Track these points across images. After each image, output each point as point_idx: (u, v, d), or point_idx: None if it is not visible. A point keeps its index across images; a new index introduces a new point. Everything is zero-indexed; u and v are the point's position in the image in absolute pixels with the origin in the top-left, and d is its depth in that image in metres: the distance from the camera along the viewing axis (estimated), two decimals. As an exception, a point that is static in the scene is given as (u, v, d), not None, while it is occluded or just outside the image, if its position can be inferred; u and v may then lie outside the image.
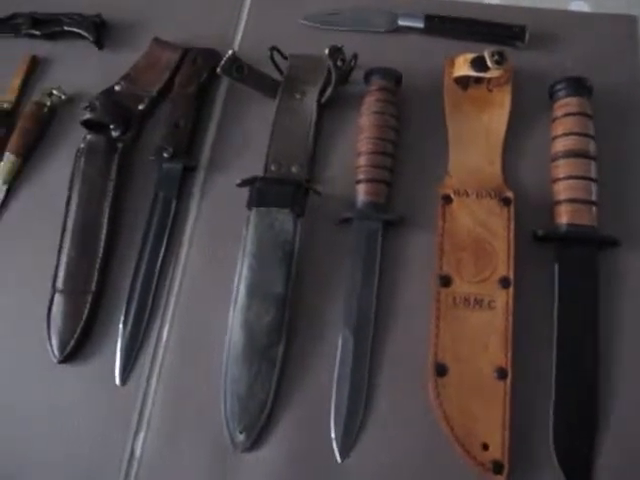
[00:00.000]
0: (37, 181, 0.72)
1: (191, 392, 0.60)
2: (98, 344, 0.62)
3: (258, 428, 0.57)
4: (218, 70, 0.69)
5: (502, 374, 0.56)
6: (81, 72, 0.78)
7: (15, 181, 0.72)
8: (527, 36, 0.73)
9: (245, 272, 0.61)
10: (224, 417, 0.57)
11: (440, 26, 0.75)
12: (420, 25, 0.75)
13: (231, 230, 0.64)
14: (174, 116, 0.71)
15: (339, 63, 0.68)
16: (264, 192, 0.63)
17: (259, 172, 0.67)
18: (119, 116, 0.70)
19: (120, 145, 0.69)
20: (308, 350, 0.60)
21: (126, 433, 0.59)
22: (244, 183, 0.64)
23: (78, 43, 0.79)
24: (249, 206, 0.63)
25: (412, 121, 0.70)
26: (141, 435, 0.59)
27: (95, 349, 0.62)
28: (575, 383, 0.57)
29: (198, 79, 0.73)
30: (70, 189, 0.68)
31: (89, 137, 0.70)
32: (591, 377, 0.57)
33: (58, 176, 0.70)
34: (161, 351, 0.62)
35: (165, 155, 0.68)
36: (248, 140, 0.71)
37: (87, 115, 0.70)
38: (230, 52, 0.69)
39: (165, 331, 0.63)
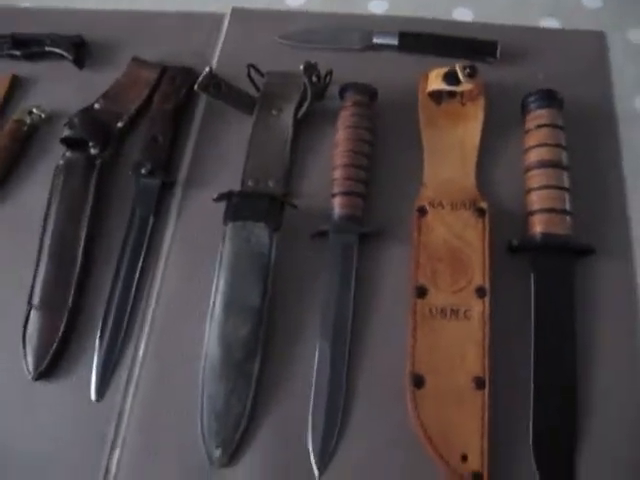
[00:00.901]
0: (16, 198, 0.72)
1: (168, 407, 0.59)
2: (74, 360, 0.62)
3: (235, 443, 0.56)
4: (195, 87, 0.70)
5: (480, 384, 0.56)
6: (61, 91, 0.79)
7: (-7, 199, 0.72)
8: (499, 51, 0.75)
9: (221, 286, 0.61)
10: (201, 432, 0.57)
11: (414, 43, 0.77)
12: (394, 42, 0.77)
13: (208, 245, 0.64)
14: (152, 131, 0.71)
15: (314, 79, 0.69)
16: (240, 207, 0.63)
17: (237, 188, 0.67)
18: (98, 133, 0.71)
19: (98, 162, 0.70)
20: (285, 363, 0.60)
21: (101, 449, 0.58)
22: (220, 198, 0.64)
23: (59, 63, 0.81)
24: (225, 221, 0.63)
25: (388, 135, 0.71)
26: (117, 452, 0.58)
27: (71, 365, 0.61)
28: (554, 391, 0.57)
29: (176, 96, 0.74)
30: (48, 206, 0.68)
31: (68, 154, 0.70)
32: (569, 384, 0.57)
33: (37, 193, 0.70)
34: (138, 367, 0.61)
35: (143, 171, 0.69)
36: (226, 156, 0.72)
37: (66, 132, 0.70)
38: (207, 69, 0.70)
39: (142, 346, 0.62)
